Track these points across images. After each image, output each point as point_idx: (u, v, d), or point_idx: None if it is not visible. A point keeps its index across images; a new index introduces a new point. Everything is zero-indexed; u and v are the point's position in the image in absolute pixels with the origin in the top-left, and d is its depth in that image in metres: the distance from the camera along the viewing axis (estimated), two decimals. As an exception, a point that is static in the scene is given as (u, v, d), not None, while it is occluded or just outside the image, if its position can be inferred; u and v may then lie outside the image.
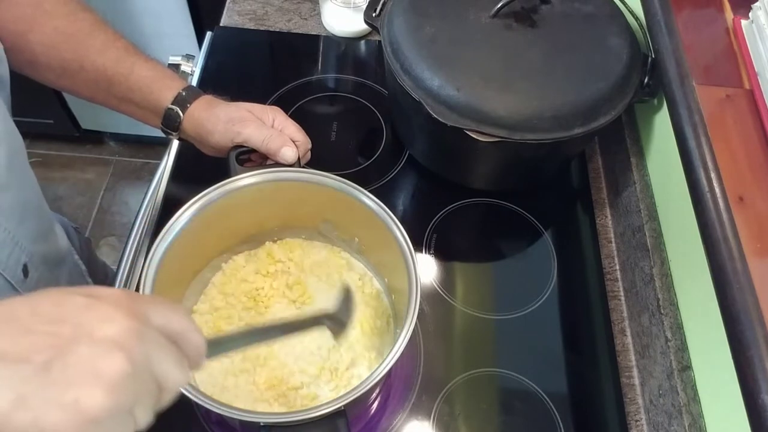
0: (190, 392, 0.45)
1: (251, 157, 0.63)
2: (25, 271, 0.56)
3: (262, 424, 0.46)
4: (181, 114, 0.62)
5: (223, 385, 0.58)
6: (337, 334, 0.52)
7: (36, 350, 0.29)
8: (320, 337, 0.61)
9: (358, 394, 0.47)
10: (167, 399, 0.34)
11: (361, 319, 0.62)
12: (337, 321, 0.51)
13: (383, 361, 0.49)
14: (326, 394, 0.58)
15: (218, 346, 0.40)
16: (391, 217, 0.56)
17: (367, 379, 0.48)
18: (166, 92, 0.62)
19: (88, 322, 0.31)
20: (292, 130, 0.63)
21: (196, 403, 0.46)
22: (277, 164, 0.61)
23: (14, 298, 0.31)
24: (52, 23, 0.60)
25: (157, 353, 0.33)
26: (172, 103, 0.62)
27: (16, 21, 0.59)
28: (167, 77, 0.64)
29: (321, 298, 0.64)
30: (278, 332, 0.46)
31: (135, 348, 0.31)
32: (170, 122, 0.63)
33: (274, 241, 0.67)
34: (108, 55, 0.62)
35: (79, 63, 0.61)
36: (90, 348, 0.30)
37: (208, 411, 0.49)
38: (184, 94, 0.63)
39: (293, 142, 0.61)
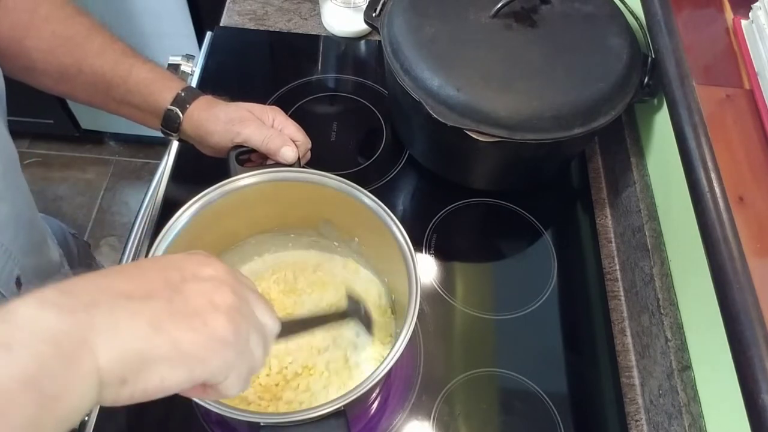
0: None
1: (251, 157, 0.63)
2: (18, 283, 0.56)
3: (262, 424, 0.46)
4: (180, 115, 0.62)
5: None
6: (369, 327, 0.57)
7: (156, 289, 0.33)
8: (321, 338, 0.61)
9: (358, 394, 0.47)
10: (270, 343, 0.38)
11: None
12: (361, 316, 0.56)
13: (383, 362, 0.49)
14: (326, 395, 0.58)
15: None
16: (391, 217, 0.56)
17: (367, 379, 0.48)
18: (165, 93, 0.62)
19: (190, 267, 0.35)
20: (292, 130, 0.63)
21: (196, 403, 0.46)
22: (277, 164, 0.61)
23: (117, 266, 0.36)
24: (49, 28, 0.60)
25: (252, 296, 0.37)
26: (171, 104, 0.62)
27: (12, 27, 0.59)
28: (166, 78, 0.63)
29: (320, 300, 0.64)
30: (314, 324, 0.51)
31: (235, 285, 0.36)
32: (170, 123, 0.63)
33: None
34: (106, 57, 0.61)
35: (77, 67, 0.61)
36: (200, 284, 0.34)
37: (207, 411, 0.49)
38: (183, 94, 0.62)
39: (293, 141, 0.61)
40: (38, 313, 0.28)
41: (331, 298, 0.63)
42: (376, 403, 0.64)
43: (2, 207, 0.52)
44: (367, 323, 0.57)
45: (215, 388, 0.34)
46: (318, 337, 0.60)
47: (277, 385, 0.58)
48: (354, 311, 0.56)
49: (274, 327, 0.39)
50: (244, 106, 0.63)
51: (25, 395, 0.26)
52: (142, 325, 0.30)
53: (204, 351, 0.32)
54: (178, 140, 0.66)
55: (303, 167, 0.62)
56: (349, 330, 0.61)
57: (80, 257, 0.78)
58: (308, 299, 0.64)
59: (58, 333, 0.28)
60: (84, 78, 0.61)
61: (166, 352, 0.31)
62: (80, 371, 0.28)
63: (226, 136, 0.61)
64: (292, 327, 0.47)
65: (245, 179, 0.58)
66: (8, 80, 0.58)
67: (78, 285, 0.31)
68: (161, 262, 0.36)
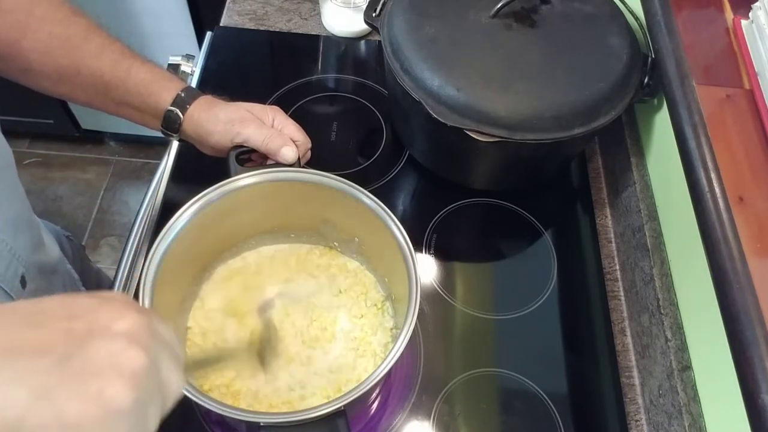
0: (191, 393, 0.45)
1: (251, 157, 0.63)
2: (23, 282, 0.56)
3: (262, 424, 0.46)
4: (180, 115, 0.62)
5: (221, 387, 0.58)
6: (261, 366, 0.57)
7: (53, 343, 0.29)
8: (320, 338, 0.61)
9: (358, 394, 0.47)
10: (169, 405, 0.34)
11: (362, 321, 0.62)
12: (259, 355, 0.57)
13: (383, 362, 0.49)
14: (325, 395, 0.58)
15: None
16: (391, 218, 0.56)
17: (367, 379, 0.48)
18: (164, 94, 0.62)
19: (102, 318, 0.31)
20: (291, 129, 0.63)
21: (196, 403, 0.46)
22: (277, 164, 0.61)
23: (17, 301, 0.31)
24: (46, 29, 0.59)
25: (163, 354, 0.33)
26: (171, 105, 0.62)
27: (8, 28, 0.58)
28: (165, 79, 0.63)
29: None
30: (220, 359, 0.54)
31: (150, 343, 0.31)
32: (170, 124, 0.63)
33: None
34: (104, 58, 0.61)
35: (75, 68, 0.60)
36: (108, 342, 0.30)
37: (208, 410, 0.49)
38: (183, 95, 0.62)
39: (293, 141, 0.61)
40: None
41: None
42: (376, 403, 0.64)
43: (2, 208, 0.52)
44: (264, 358, 0.57)
45: None
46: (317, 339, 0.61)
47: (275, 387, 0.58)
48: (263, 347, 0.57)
49: (178, 388, 0.35)
50: (244, 106, 0.63)
51: None
52: (26, 392, 0.27)
53: (93, 423, 0.28)
54: (178, 140, 0.66)
55: (303, 167, 0.62)
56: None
57: (75, 259, 0.78)
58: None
59: None
60: (82, 79, 0.61)
61: (49, 421, 0.27)
62: None
63: (226, 136, 0.61)
64: (200, 364, 0.49)
65: (245, 179, 0.58)
66: (8, 81, 0.58)
67: None
68: (71, 308, 0.31)
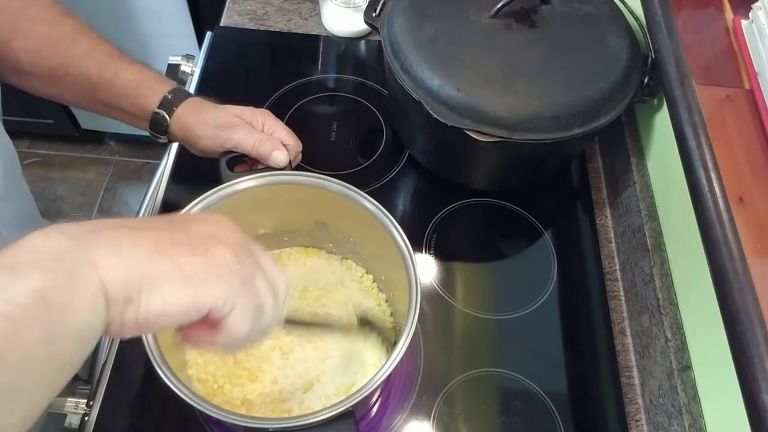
0: (195, 401, 0.45)
1: (243, 160, 0.63)
2: None
3: (271, 430, 0.45)
4: (167, 118, 0.62)
5: (221, 387, 0.58)
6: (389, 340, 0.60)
7: (158, 225, 0.34)
8: (321, 341, 0.61)
9: (365, 395, 0.47)
10: (280, 299, 0.39)
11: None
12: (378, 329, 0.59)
13: (386, 362, 0.48)
14: (326, 398, 0.58)
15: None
16: (389, 219, 0.56)
17: (373, 379, 0.48)
18: (151, 96, 0.62)
19: (197, 217, 0.38)
20: (282, 133, 0.62)
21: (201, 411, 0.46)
22: (268, 168, 0.60)
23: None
24: (36, 29, 0.59)
25: (263, 256, 0.38)
26: (157, 107, 0.62)
27: (0, 29, 0.58)
28: (152, 80, 0.63)
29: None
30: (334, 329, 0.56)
31: (242, 240, 0.37)
32: (157, 126, 0.62)
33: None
34: (92, 59, 0.61)
35: (64, 69, 0.60)
36: (213, 225, 0.36)
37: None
38: (170, 97, 0.62)
39: (284, 145, 0.61)
40: (43, 239, 0.30)
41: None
42: (376, 403, 0.64)
43: (6, 205, 0.52)
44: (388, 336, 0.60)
45: (222, 325, 0.35)
46: (319, 342, 0.61)
47: (275, 390, 0.58)
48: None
49: (284, 284, 0.39)
50: (234, 111, 0.62)
51: (35, 308, 0.27)
52: (145, 248, 0.32)
53: (206, 273, 0.33)
54: (167, 142, 0.66)
55: (294, 170, 0.61)
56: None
57: None
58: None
59: (62, 252, 0.29)
60: (71, 80, 0.61)
61: (169, 273, 0.32)
62: (85, 285, 0.29)
63: (215, 141, 0.61)
64: (302, 321, 0.50)
65: (243, 183, 0.58)
66: (1, 90, 0.58)
67: (82, 221, 0.32)
68: (168, 216, 0.37)
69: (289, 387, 0.58)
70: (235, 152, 0.61)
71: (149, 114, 0.62)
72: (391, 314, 0.63)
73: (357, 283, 0.65)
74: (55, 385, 0.29)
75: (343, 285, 0.65)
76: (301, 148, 0.64)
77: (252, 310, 0.36)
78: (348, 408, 0.46)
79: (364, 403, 0.53)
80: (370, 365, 0.60)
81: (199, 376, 0.58)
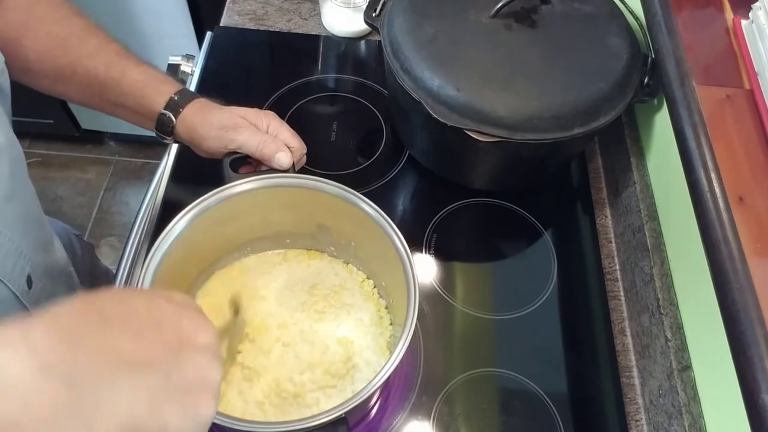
0: None
1: (247, 161, 0.63)
2: (29, 281, 0.56)
3: None
4: (173, 119, 0.62)
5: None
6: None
7: (156, 357, 0.31)
8: (320, 343, 0.61)
9: (359, 402, 0.46)
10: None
11: (360, 324, 0.62)
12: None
13: (383, 367, 0.48)
14: (325, 401, 0.58)
15: None
16: (387, 221, 0.56)
17: (366, 386, 0.48)
18: (158, 97, 0.62)
19: (186, 329, 0.33)
20: (286, 135, 0.62)
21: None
22: (272, 170, 0.60)
23: (96, 296, 0.33)
24: (45, 28, 0.60)
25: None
26: (164, 108, 0.62)
27: (9, 27, 0.59)
28: (159, 81, 0.63)
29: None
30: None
31: (218, 352, 0.35)
32: (163, 127, 0.63)
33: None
34: (99, 59, 0.61)
35: (72, 68, 0.61)
36: (197, 357, 0.33)
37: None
38: (176, 98, 0.62)
39: (288, 147, 0.61)
40: (37, 382, 0.26)
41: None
42: (376, 404, 0.63)
43: (12, 206, 0.52)
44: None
45: None
46: (318, 343, 0.60)
47: (274, 393, 0.58)
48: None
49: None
50: (238, 112, 0.62)
51: None
52: (141, 403, 0.30)
53: (187, 429, 0.32)
54: (173, 143, 0.66)
55: (298, 172, 0.61)
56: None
57: (84, 258, 0.78)
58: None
59: (57, 412, 0.26)
60: (78, 79, 0.61)
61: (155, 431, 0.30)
62: None
63: (219, 142, 0.61)
64: None
65: (241, 185, 0.58)
66: (10, 89, 0.58)
67: (77, 333, 0.29)
68: (155, 314, 0.33)
69: (289, 385, 0.58)
70: (239, 153, 0.61)
71: (155, 114, 0.62)
72: (390, 323, 0.63)
73: (359, 288, 0.65)
74: None
75: (346, 287, 0.65)
76: (305, 151, 0.64)
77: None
78: (341, 414, 0.46)
79: (363, 406, 0.53)
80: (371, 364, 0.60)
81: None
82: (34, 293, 0.57)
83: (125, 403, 0.29)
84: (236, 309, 0.59)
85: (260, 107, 0.65)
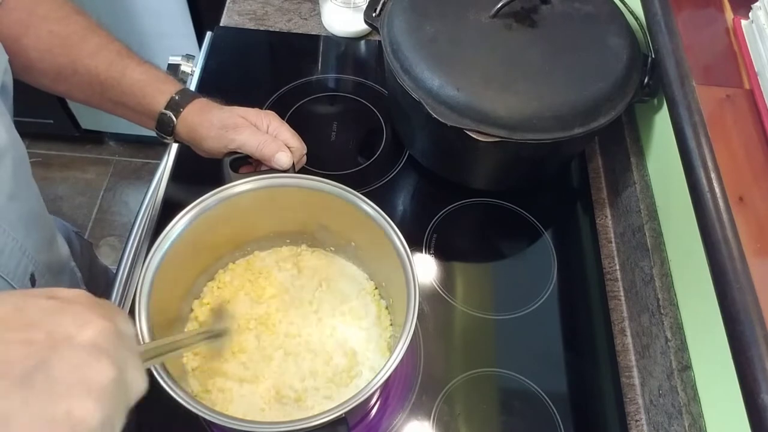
0: (188, 402, 0.45)
1: (248, 161, 0.63)
2: (33, 279, 0.56)
3: None
4: (174, 119, 0.62)
5: (222, 389, 0.58)
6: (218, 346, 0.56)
7: (12, 362, 0.26)
8: (321, 345, 0.61)
9: (358, 402, 0.46)
10: (132, 404, 0.32)
11: (360, 324, 0.62)
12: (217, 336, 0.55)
13: (382, 369, 0.48)
14: (325, 400, 0.58)
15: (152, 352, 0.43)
16: (387, 221, 0.56)
17: (366, 386, 0.48)
18: (158, 97, 0.62)
19: (64, 326, 0.28)
20: (286, 135, 0.62)
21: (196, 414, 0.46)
22: (272, 170, 0.60)
23: None
24: (47, 27, 0.60)
25: (128, 358, 0.31)
26: (164, 108, 0.62)
27: (10, 26, 0.59)
28: (160, 81, 0.63)
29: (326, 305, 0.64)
30: (194, 340, 0.52)
31: (116, 351, 0.29)
32: (164, 127, 0.63)
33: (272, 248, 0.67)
34: (101, 58, 0.61)
35: (73, 67, 0.61)
36: (73, 354, 0.28)
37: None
38: (177, 98, 0.62)
39: (288, 147, 0.61)
40: None
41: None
42: (376, 404, 0.63)
43: (15, 204, 0.52)
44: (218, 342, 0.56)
45: None
46: (318, 344, 0.60)
47: (275, 393, 0.58)
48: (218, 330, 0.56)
49: (141, 386, 0.33)
50: (239, 112, 0.62)
51: None
52: None
53: None
54: (173, 143, 0.66)
55: (298, 172, 0.61)
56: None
57: (83, 256, 0.78)
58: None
59: None
60: (79, 78, 0.61)
61: None
62: None
63: (220, 142, 0.61)
64: (161, 349, 0.46)
65: (241, 186, 0.58)
66: (13, 87, 0.58)
67: None
68: (28, 313, 0.28)
69: (289, 389, 0.58)
70: (239, 153, 0.61)
71: (156, 114, 0.62)
72: (390, 323, 0.62)
73: (359, 287, 0.65)
74: None
75: (346, 287, 0.65)
76: (305, 151, 0.64)
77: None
78: (341, 414, 0.46)
79: (363, 406, 0.53)
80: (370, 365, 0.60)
81: (196, 374, 0.58)
82: None
83: None
84: (219, 314, 0.58)
85: (260, 107, 0.65)
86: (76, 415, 0.26)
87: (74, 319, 0.29)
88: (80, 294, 0.31)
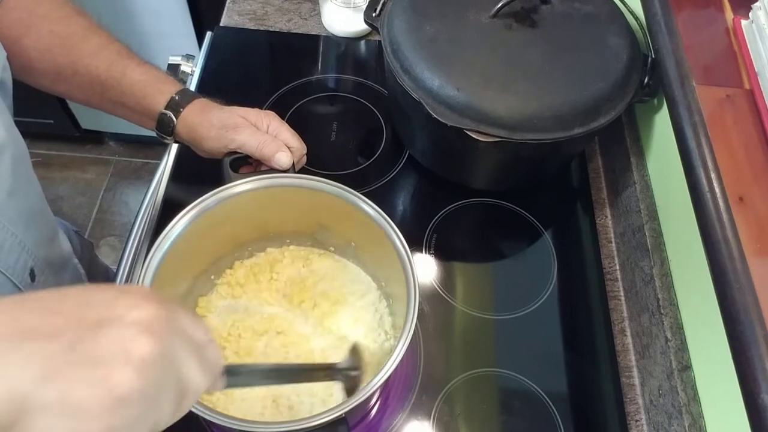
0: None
1: (248, 161, 0.63)
2: (32, 275, 0.56)
3: None
4: (174, 119, 0.62)
5: (224, 392, 0.58)
6: (350, 390, 0.52)
7: (64, 329, 0.29)
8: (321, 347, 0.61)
9: (359, 401, 0.46)
10: (187, 405, 0.34)
11: (360, 324, 0.62)
12: (348, 377, 0.52)
13: (383, 367, 0.48)
14: (322, 399, 0.58)
15: (233, 376, 0.41)
16: (387, 221, 0.56)
17: (366, 386, 0.48)
18: (158, 97, 0.62)
19: (117, 308, 0.31)
20: (286, 135, 0.62)
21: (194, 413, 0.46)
22: (272, 170, 0.60)
23: (41, 291, 0.32)
24: (47, 27, 0.60)
25: (183, 350, 0.33)
26: (164, 108, 0.62)
27: (11, 26, 0.59)
28: (160, 81, 0.63)
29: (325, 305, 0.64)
30: (292, 378, 0.50)
31: (164, 334, 0.31)
32: (164, 127, 0.63)
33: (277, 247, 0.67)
34: (101, 58, 0.61)
35: (73, 67, 0.61)
36: (120, 330, 0.30)
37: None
38: (177, 98, 0.62)
39: (288, 147, 0.61)
40: None
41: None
42: (376, 404, 0.63)
43: (14, 201, 0.53)
44: (350, 385, 0.53)
45: None
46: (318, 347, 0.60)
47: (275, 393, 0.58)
48: (352, 366, 0.52)
49: (201, 383, 0.35)
50: (239, 112, 0.62)
51: None
52: (32, 372, 0.28)
53: (98, 408, 0.28)
54: (173, 143, 0.66)
55: (298, 172, 0.61)
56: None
57: (83, 255, 0.78)
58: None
59: None
60: (80, 78, 0.61)
61: (51, 405, 0.28)
62: None
63: (220, 142, 0.61)
64: (283, 375, 0.47)
65: (241, 186, 0.58)
66: (12, 84, 0.58)
67: None
68: (89, 297, 0.32)
69: (285, 399, 0.58)
70: (239, 153, 0.61)
71: (156, 114, 0.62)
72: (391, 323, 0.62)
73: (359, 287, 0.65)
74: None
75: (346, 287, 0.65)
76: (305, 151, 0.64)
77: (154, 416, 0.31)
78: (341, 414, 0.46)
79: (362, 406, 0.53)
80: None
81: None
82: (38, 286, 0.57)
83: (13, 373, 0.27)
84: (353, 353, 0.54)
85: (260, 107, 0.65)
86: (113, 380, 0.29)
87: (127, 302, 0.31)
88: (142, 287, 0.34)
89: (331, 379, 0.52)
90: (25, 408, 0.27)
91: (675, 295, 0.64)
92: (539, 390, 0.65)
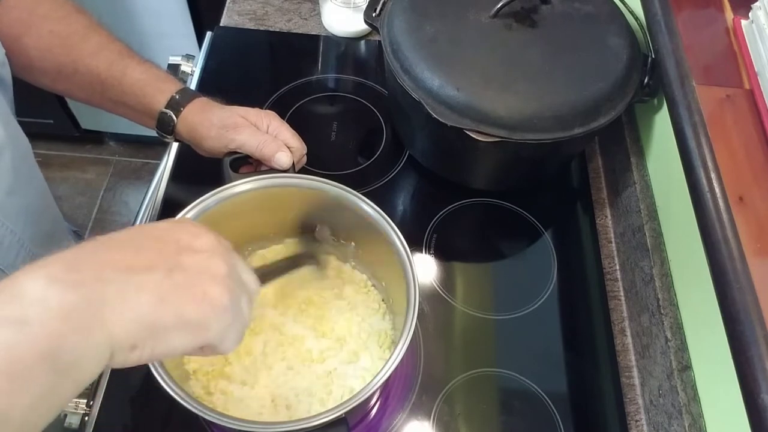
0: (189, 403, 0.45)
1: (248, 161, 0.63)
2: None
3: None
4: (174, 118, 0.62)
5: (224, 392, 0.58)
6: (320, 267, 0.62)
7: (156, 261, 0.34)
8: (319, 347, 0.61)
9: (359, 402, 0.46)
10: (254, 301, 0.41)
11: (360, 324, 0.62)
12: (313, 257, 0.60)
13: (383, 367, 0.48)
14: (321, 398, 0.58)
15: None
16: (387, 221, 0.56)
17: (366, 386, 0.48)
18: (159, 96, 0.62)
19: (184, 238, 0.37)
20: (287, 135, 0.62)
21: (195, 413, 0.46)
22: (272, 170, 0.60)
23: (104, 235, 0.36)
24: (47, 26, 0.60)
25: (239, 263, 0.40)
26: (165, 107, 0.62)
27: (11, 25, 0.59)
28: (160, 80, 0.63)
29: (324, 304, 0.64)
30: (286, 268, 0.56)
31: (224, 254, 0.38)
32: (164, 126, 0.63)
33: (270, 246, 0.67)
34: (101, 57, 0.61)
35: (73, 66, 0.61)
36: (195, 256, 0.36)
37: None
38: (177, 97, 0.62)
39: (288, 147, 0.61)
40: (48, 291, 0.30)
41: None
42: (376, 404, 0.63)
43: (14, 199, 0.53)
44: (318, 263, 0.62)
45: (214, 349, 0.37)
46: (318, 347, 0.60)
47: (275, 393, 0.58)
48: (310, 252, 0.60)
49: (257, 287, 0.42)
50: (239, 112, 0.62)
51: (43, 367, 0.28)
52: (149, 298, 0.33)
53: (206, 318, 0.35)
54: (174, 141, 0.66)
55: (298, 172, 0.61)
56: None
57: None
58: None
59: (70, 309, 0.30)
60: (80, 77, 0.61)
61: (172, 322, 0.33)
62: (93, 342, 0.30)
63: (220, 142, 0.61)
64: (267, 275, 0.52)
65: (241, 186, 0.58)
66: (12, 81, 0.58)
67: (80, 258, 0.33)
68: (154, 233, 0.37)
69: (284, 400, 0.58)
70: (239, 153, 0.61)
71: (156, 113, 0.62)
72: (391, 324, 0.62)
73: (359, 287, 0.65)
74: (47, 417, 0.30)
75: (346, 287, 0.65)
76: (305, 151, 0.64)
77: (239, 334, 0.39)
78: (341, 414, 0.46)
79: (362, 406, 0.53)
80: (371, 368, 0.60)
81: (197, 376, 0.58)
82: None
83: (134, 300, 0.32)
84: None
85: (260, 107, 0.65)
86: (211, 295, 0.35)
87: (189, 232, 0.38)
88: (184, 219, 0.44)
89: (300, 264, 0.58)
90: (150, 330, 0.33)
91: (675, 295, 0.64)
92: (539, 390, 0.65)
